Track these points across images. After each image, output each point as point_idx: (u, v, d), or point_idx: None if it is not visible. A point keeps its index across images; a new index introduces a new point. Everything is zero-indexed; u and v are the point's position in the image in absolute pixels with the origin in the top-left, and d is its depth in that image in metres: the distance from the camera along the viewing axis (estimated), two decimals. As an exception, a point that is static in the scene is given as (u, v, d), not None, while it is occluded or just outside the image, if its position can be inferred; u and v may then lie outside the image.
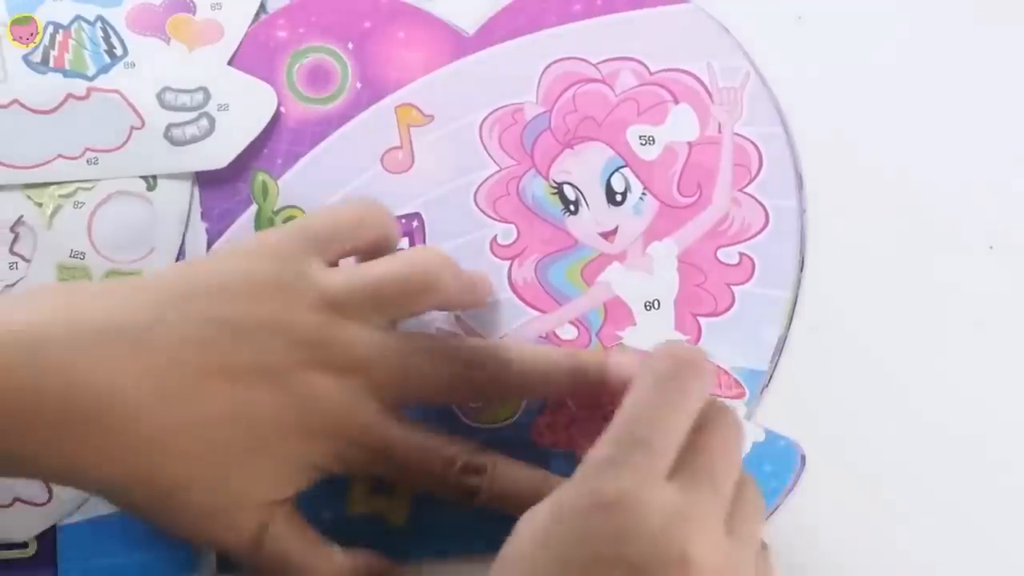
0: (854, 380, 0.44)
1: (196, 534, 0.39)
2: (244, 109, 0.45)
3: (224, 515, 0.38)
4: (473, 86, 0.46)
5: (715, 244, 0.45)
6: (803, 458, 0.43)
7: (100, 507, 0.43)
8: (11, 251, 0.44)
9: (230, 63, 0.46)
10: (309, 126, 0.46)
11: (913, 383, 0.44)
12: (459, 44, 0.46)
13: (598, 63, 0.46)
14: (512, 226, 0.45)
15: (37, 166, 0.45)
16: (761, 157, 0.45)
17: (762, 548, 0.38)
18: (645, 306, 0.44)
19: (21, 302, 0.37)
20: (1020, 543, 0.43)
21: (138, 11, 0.46)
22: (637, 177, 0.45)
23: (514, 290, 0.44)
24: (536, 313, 0.44)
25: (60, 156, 0.45)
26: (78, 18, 0.46)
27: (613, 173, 0.45)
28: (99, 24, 0.46)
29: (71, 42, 0.46)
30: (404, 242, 0.45)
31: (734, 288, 0.44)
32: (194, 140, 0.45)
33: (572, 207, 0.45)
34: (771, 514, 0.43)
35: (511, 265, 0.45)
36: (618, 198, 0.45)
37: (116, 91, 0.45)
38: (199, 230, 0.45)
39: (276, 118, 0.45)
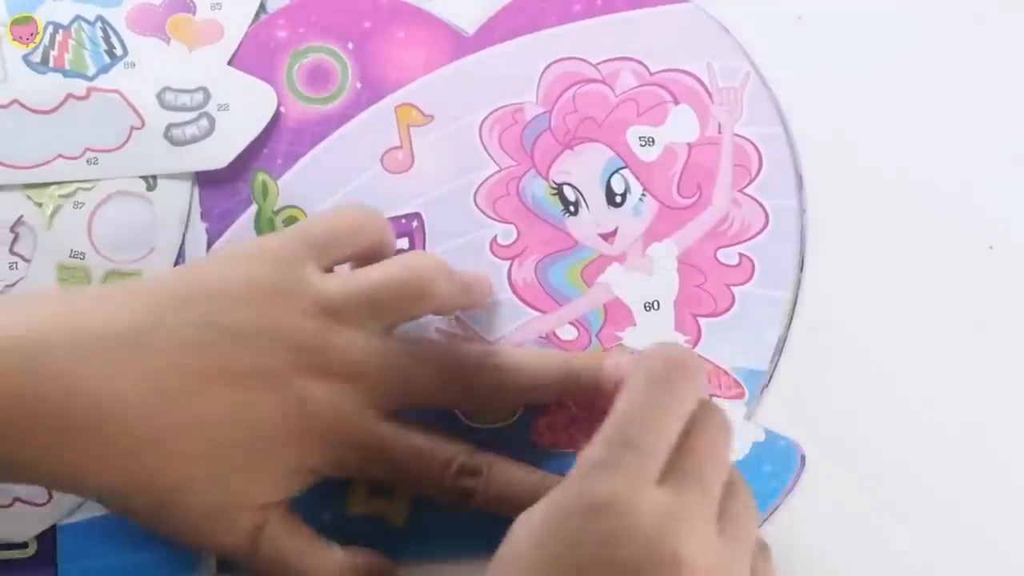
0: (854, 380, 0.44)
1: (194, 538, 0.39)
2: (244, 109, 0.45)
3: (222, 518, 0.39)
4: (473, 86, 0.46)
5: (715, 245, 0.45)
6: (803, 458, 0.43)
7: (100, 507, 0.43)
8: (11, 251, 0.44)
9: (230, 63, 0.46)
10: (309, 126, 0.46)
11: (913, 383, 0.44)
12: (459, 44, 0.46)
13: (598, 63, 0.46)
14: (512, 226, 0.45)
15: (37, 166, 0.45)
16: (761, 157, 0.45)
17: (763, 549, 0.38)
18: (645, 307, 0.44)
19: (21, 308, 0.37)
20: (1020, 543, 0.43)
21: (138, 11, 0.46)
22: (637, 178, 0.45)
23: (514, 290, 0.44)
24: (536, 313, 0.44)
25: (60, 156, 0.45)
26: (78, 18, 0.46)
27: (613, 174, 0.45)
28: (99, 24, 0.46)
29: (71, 42, 0.46)
30: (403, 242, 0.45)
31: (734, 289, 0.44)
32: (194, 140, 0.45)
33: (572, 208, 0.45)
34: (771, 514, 0.43)
35: (511, 265, 0.45)
36: (618, 199, 0.45)
37: (116, 91, 0.45)
38: (199, 230, 0.45)
39: (276, 118, 0.45)
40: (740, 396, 0.44)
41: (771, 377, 0.44)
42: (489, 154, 0.45)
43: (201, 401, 0.37)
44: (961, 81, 0.47)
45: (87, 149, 0.45)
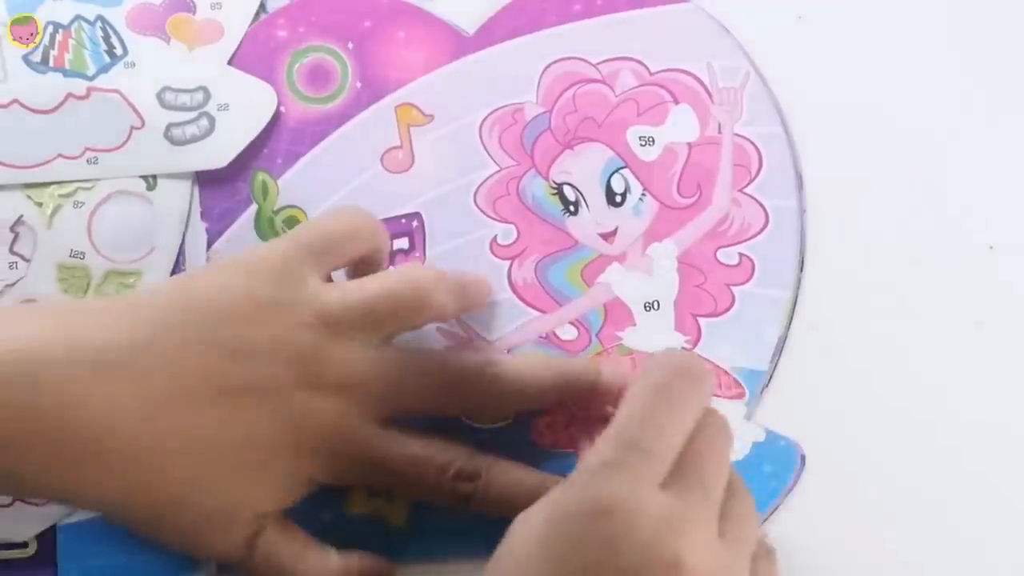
0: (854, 380, 0.44)
1: (191, 547, 0.40)
2: (244, 109, 0.45)
3: (218, 528, 0.39)
4: (473, 86, 0.46)
5: (715, 245, 0.45)
6: (803, 458, 0.43)
7: (100, 507, 0.43)
8: (11, 251, 0.44)
9: (230, 63, 0.46)
10: (309, 125, 0.46)
11: (913, 383, 0.44)
12: (459, 44, 0.46)
13: (598, 63, 0.46)
14: (512, 226, 0.45)
15: (37, 166, 0.45)
16: (761, 157, 0.45)
17: (768, 552, 0.38)
18: (645, 307, 0.44)
19: (20, 320, 0.38)
20: (1020, 543, 0.43)
21: (138, 11, 0.46)
22: (637, 178, 0.45)
23: (514, 290, 0.44)
24: (536, 313, 0.44)
25: (60, 156, 0.45)
26: (78, 18, 0.46)
27: (613, 174, 0.45)
28: (99, 24, 0.46)
29: (71, 42, 0.46)
30: (403, 242, 0.45)
31: (734, 288, 0.44)
32: (194, 140, 0.45)
33: (572, 208, 0.45)
34: (771, 514, 0.43)
35: (511, 265, 0.45)
36: (618, 199, 0.45)
37: (116, 91, 0.45)
38: (199, 230, 0.45)
39: (276, 118, 0.45)
40: (740, 396, 0.44)
41: (771, 377, 0.44)
42: (489, 154, 0.45)
43: (198, 415, 0.38)
44: (961, 81, 0.47)
45: (87, 149, 0.45)
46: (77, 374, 0.36)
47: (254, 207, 0.45)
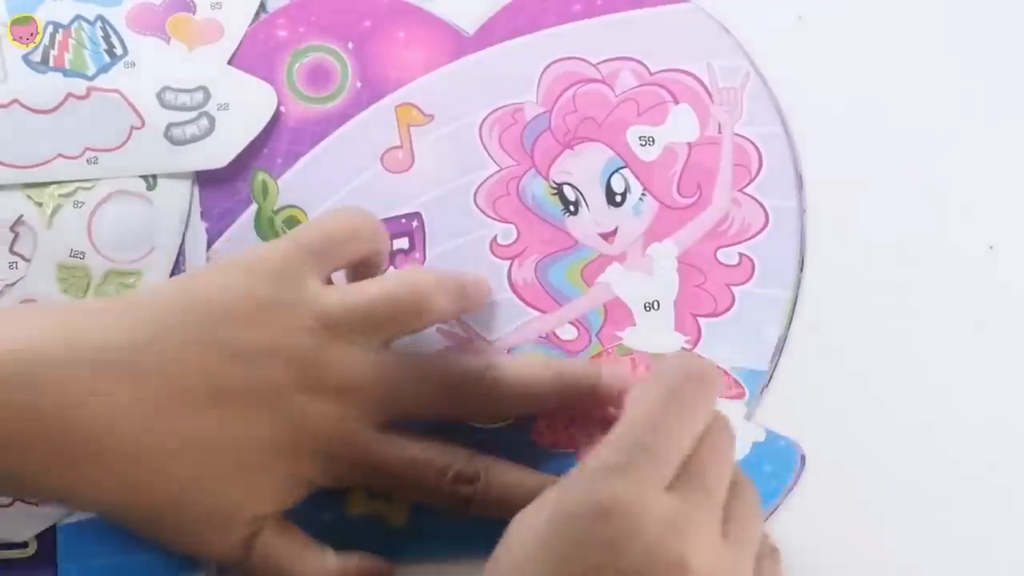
0: (854, 380, 0.44)
1: (190, 547, 0.40)
2: (244, 108, 0.45)
3: (216, 529, 0.39)
4: (473, 86, 0.46)
5: (715, 245, 0.45)
6: (803, 458, 0.43)
7: (100, 507, 0.43)
8: (11, 251, 0.44)
9: (230, 62, 0.46)
10: (309, 125, 0.46)
11: (913, 383, 0.44)
12: (459, 44, 0.46)
13: (598, 63, 0.46)
14: (512, 226, 0.45)
15: (37, 166, 0.45)
16: (761, 157, 0.45)
17: (772, 552, 0.38)
18: (645, 307, 0.44)
19: (21, 321, 0.38)
20: (1022, 543, 0.43)
21: (138, 10, 0.46)
22: (637, 178, 0.45)
23: (514, 290, 0.44)
24: (536, 313, 0.44)
25: (60, 156, 0.45)
26: (78, 18, 0.46)
27: (613, 174, 0.45)
28: (99, 24, 0.46)
29: (71, 42, 0.46)
30: (403, 242, 0.45)
31: (734, 288, 0.44)
32: (194, 139, 0.45)
33: (572, 207, 0.45)
34: (771, 514, 0.43)
35: (511, 265, 0.45)
36: (618, 199, 0.45)
37: (116, 91, 0.45)
38: (199, 230, 0.45)
39: (276, 117, 0.45)
40: (740, 396, 0.44)
41: (771, 377, 0.44)
42: (489, 154, 0.45)
43: (197, 416, 0.38)
44: (961, 81, 0.47)
45: (87, 149, 0.45)
46: (77, 374, 0.36)
47: (254, 207, 0.45)
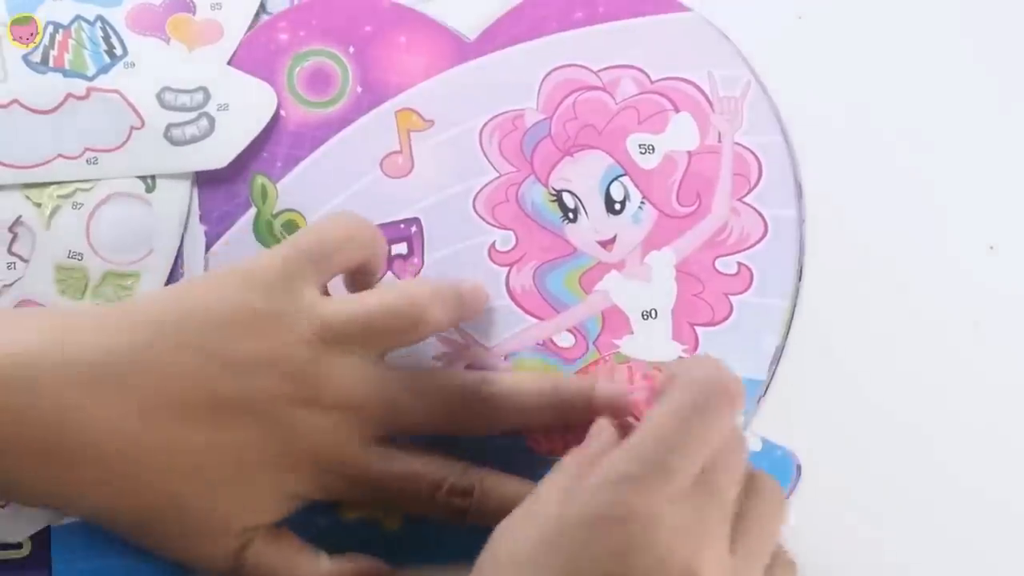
0: (852, 390, 0.44)
1: (181, 555, 0.40)
2: (244, 109, 0.45)
3: (206, 539, 0.39)
4: (474, 92, 0.46)
5: (713, 254, 0.45)
6: (799, 468, 0.43)
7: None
8: (9, 251, 0.44)
9: (230, 64, 0.46)
10: (309, 130, 0.46)
11: (912, 394, 0.44)
12: (460, 49, 0.46)
13: (599, 71, 0.46)
14: (511, 233, 0.45)
15: (37, 166, 0.44)
16: (760, 166, 0.45)
17: (788, 565, 0.38)
18: (643, 315, 0.44)
19: (18, 326, 0.38)
20: (1021, 545, 0.43)
21: (138, 11, 0.46)
22: (636, 186, 0.45)
23: (512, 297, 0.44)
24: (534, 320, 0.44)
25: (60, 156, 0.45)
26: (78, 18, 0.46)
27: (612, 181, 0.45)
28: (99, 24, 0.46)
29: (71, 42, 0.46)
30: (402, 247, 0.45)
31: (732, 298, 0.44)
32: (194, 140, 0.45)
33: (571, 215, 0.45)
34: (766, 523, 0.43)
35: (509, 272, 0.45)
36: (617, 207, 0.45)
37: (116, 91, 0.45)
38: (198, 232, 0.45)
39: (276, 121, 0.45)
40: (737, 405, 0.44)
41: (768, 387, 0.44)
42: (489, 160, 0.45)
43: (190, 426, 0.37)
44: (960, 84, 0.47)
45: (87, 149, 0.45)
46: (74, 379, 0.36)
47: (253, 210, 0.45)
